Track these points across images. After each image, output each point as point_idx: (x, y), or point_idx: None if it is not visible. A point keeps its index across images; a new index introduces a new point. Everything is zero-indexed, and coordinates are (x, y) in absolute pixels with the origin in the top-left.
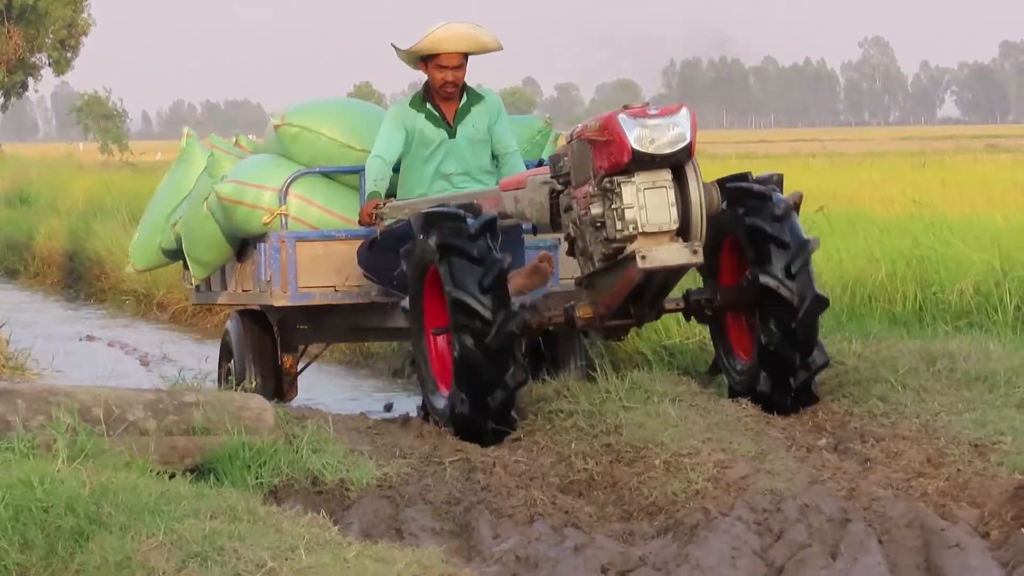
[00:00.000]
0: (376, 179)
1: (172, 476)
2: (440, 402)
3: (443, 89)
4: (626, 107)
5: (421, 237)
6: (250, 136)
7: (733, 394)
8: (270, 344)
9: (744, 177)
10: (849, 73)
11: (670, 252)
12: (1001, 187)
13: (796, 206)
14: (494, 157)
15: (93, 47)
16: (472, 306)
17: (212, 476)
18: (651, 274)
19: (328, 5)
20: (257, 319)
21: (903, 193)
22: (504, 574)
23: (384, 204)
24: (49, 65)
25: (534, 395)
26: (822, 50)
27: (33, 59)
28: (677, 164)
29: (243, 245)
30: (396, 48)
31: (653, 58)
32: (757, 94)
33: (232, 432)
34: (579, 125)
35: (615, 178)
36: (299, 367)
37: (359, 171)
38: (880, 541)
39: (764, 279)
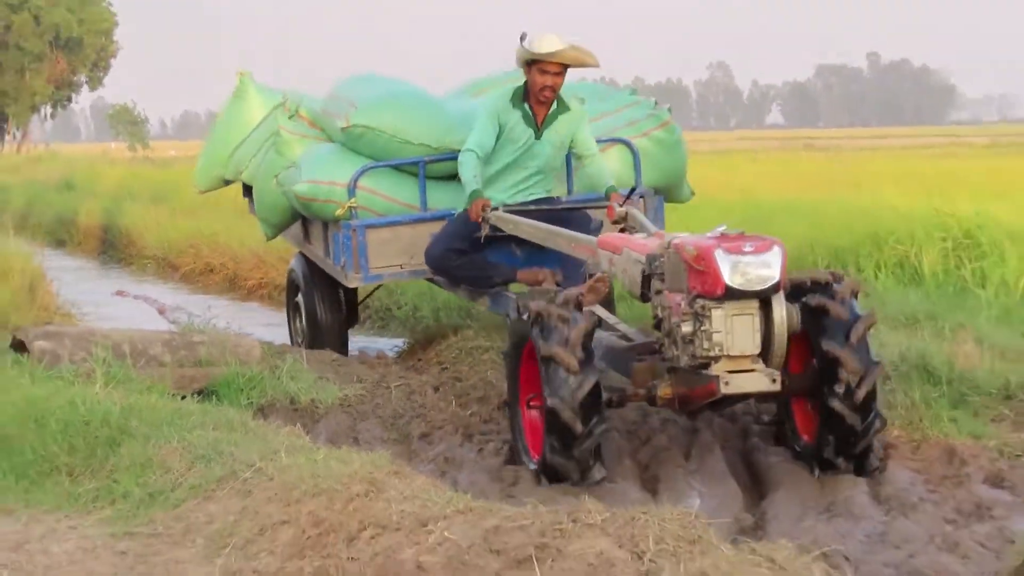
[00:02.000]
0: (474, 175)
1: (183, 398)
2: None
3: (541, 93)
4: (723, 236)
5: (522, 316)
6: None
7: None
8: (333, 281)
9: (821, 285)
10: (700, 89)
11: (751, 380)
12: (814, 177)
13: (869, 326)
14: (577, 157)
15: (120, 68)
16: (565, 419)
17: (214, 397)
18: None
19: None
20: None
21: (738, 181)
22: (435, 471)
23: (490, 209)
24: (86, 82)
25: (459, 336)
26: (679, 72)
27: (74, 78)
28: (773, 294)
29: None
30: (521, 43)
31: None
32: None
33: (229, 364)
34: (677, 237)
35: (707, 303)
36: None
37: (417, 162)
38: (722, 447)
39: (832, 402)
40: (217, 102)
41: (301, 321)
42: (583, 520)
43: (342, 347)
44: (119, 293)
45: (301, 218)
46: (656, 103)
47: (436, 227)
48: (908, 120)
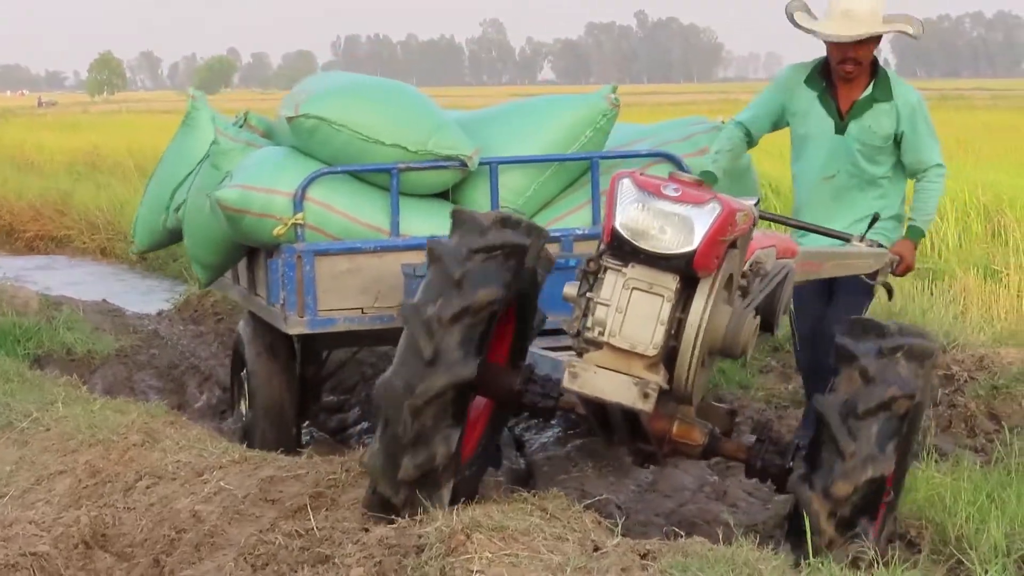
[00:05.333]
0: (717, 150)
1: None
2: None
3: (840, 68)
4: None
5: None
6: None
7: None
8: (288, 353)
9: None
10: (472, 46)
11: (611, 384)
12: None
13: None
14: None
15: None
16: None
17: None
18: (589, 400)
19: None
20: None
21: None
22: (206, 415)
23: None
24: None
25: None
26: (452, 29)
27: None
28: (685, 271)
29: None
30: (789, 15)
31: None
32: (402, 63)
33: (6, 314)
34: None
35: (606, 258)
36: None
37: (389, 170)
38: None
39: None
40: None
41: (245, 403)
42: (356, 471)
43: (294, 440)
44: None
45: (247, 257)
46: (723, 121)
47: (410, 258)
48: (678, 77)
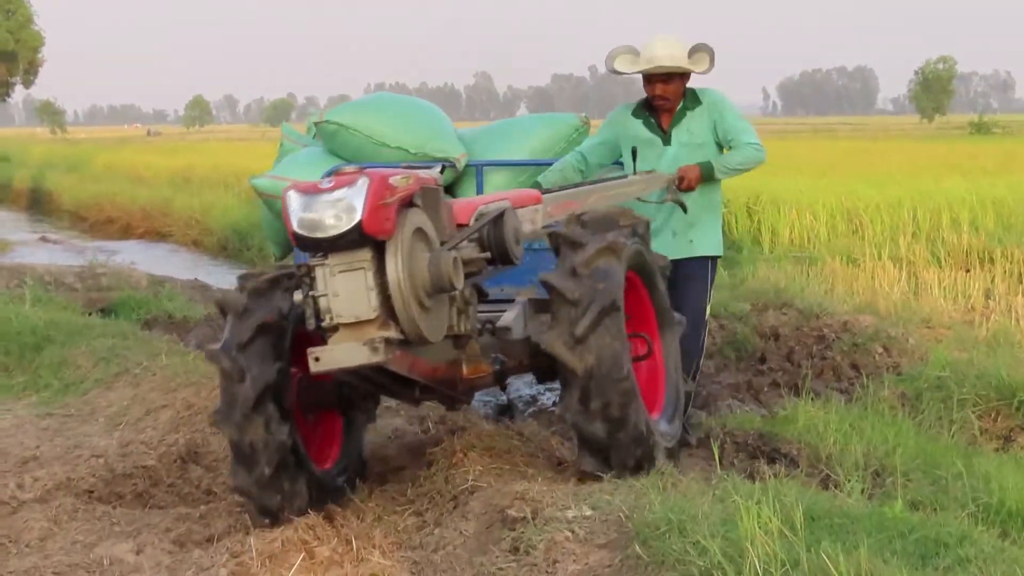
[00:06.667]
0: (551, 170)
1: (90, 314)
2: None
3: (656, 102)
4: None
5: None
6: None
7: None
8: None
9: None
10: (469, 91)
11: (344, 352)
12: None
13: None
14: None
15: (45, 72)
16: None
17: (113, 314)
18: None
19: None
20: None
21: None
22: None
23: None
24: (20, 83)
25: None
26: (453, 78)
27: (11, 80)
28: (365, 241)
29: None
30: (609, 68)
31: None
32: None
33: (123, 289)
34: None
35: (311, 259)
36: None
37: (392, 168)
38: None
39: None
40: (116, 98)
41: None
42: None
43: None
44: (43, 239)
45: None
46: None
47: None
48: None
